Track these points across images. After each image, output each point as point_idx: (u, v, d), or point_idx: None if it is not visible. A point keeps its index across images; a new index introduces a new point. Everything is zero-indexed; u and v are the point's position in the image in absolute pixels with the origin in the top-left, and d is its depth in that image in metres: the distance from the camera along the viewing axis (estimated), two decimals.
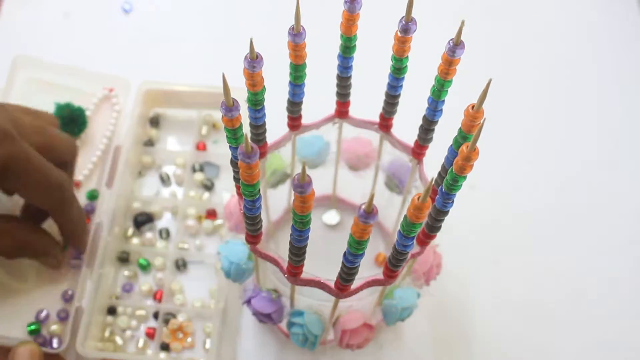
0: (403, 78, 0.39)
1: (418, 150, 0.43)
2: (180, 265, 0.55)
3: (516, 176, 0.61)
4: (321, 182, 0.54)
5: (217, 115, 0.61)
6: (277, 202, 0.55)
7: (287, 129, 0.44)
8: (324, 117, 0.45)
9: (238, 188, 0.39)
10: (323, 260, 0.44)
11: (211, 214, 0.57)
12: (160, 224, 0.57)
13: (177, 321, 0.52)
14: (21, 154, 0.43)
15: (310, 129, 0.45)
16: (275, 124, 0.43)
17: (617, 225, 0.59)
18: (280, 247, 0.56)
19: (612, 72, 0.68)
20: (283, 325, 0.49)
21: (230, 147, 0.34)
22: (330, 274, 0.38)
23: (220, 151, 0.60)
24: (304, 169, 0.27)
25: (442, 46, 0.34)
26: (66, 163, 0.50)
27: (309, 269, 0.38)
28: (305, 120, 0.44)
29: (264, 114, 0.37)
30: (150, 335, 0.52)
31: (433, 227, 0.36)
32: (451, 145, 0.36)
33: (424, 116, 0.39)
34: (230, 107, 0.31)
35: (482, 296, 0.55)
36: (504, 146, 0.62)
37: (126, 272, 0.54)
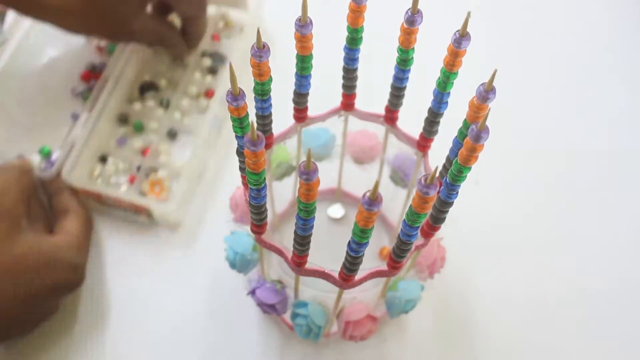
0: (409, 70, 0.39)
1: (423, 143, 0.43)
2: (172, 134, 0.60)
3: (521, 172, 0.61)
4: (326, 175, 0.54)
5: (232, 14, 0.67)
6: (282, 194, 0.55)
7: (293, 121, 0.44)
8: (330, 109, 0.45)
9: (244, 178, 0.39)
10: (327, 253, 0.45)
11: (209, 94, 0.62)
12: (163, 94, 0.63)
13: (156, 175, 0.56)
14: None
15: (316, 121, 0.45)
16: (281, 116, 0.43)
17: (623, 225, 0.59)
18: (285, 239, 0.56)
19: (624, 66, 0.68)
20: (287, 317, 0.49)
21: (236, 136, 0.35)
22: (334, 268, 0.38)
23: (229, 46, 0.66)
24: (309, 156, 0.28)
25: (448, 38, 0.34)
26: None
27: (314, 262, 0.38)
28: (311, 112, 0.44)
29: (270, 105, 0.38)
30: (131, 180, 0.57)
31: (437, 219, 0.36)
32: (456, 136, 0.36)
33: (430, 108, 0.39)
34: (236, 96, 0.32)
35: (485, 291, 0.55)
36: (508, 142, 0.62)
37: (122, 130, 0.60)
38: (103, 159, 0.58)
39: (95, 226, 0.56)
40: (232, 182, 0.48)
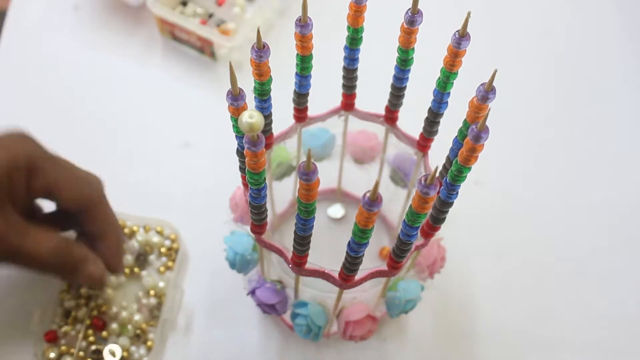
0: (409, 70, 0.39)
1: (423, 143, 0.43)
2: None
3: (521, 172, 0.61)
4: (326, 175, 0.54)
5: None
6: (282, 195, 0.55)
7: (293, 121, 0.44)
8: (330, 109, 0.45)
9: (244, 178, 0.39)
10: (327, 254, 0.45)
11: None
12: None
13: (226, 27, 0.62)
14: (46, 153, 0.41)
15: (316, 121, 0.45)
16: (281, 116, 0.43)
17: (620, 222, 0.59)
18: (285, 240, 0.56)
19: (625, 65, 0.68)
20: (287, 317, 0.49)
21: (236, 136, 0.35)
22: (334, 268, 0.38)
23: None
24: (309, 157, 0.28)
25: (448, 38, 0.34)
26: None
27: (314, 262, 0.38)
28: (311, 112, 0.44)
29: (270, 104, 0.38)
30: (203, 23, 0.62)
31: (437, 219, 0.36)
32: (456, 136, 0.36)
33: (430, 108, 0.39)
34: (236, 96, 0.32)
35: (485, 291, 0.55)
36: (508, 142, 0.62)
37: None
38: (184, 3, 0.65)
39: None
40: (232, 182, 0.47)
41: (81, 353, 0.50)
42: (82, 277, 0.43)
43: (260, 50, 0.33)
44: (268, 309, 0.46)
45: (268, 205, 0.39)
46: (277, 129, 0.43)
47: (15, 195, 0.39)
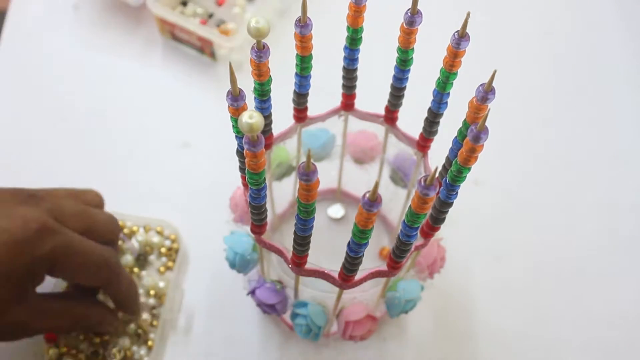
0: (409, 70, 0.39)
1: (423, 144, 0.43)
2: None
3: (520, 173, 0.61)
4: (326, 175, 0.54)
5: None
6: (282, 195, 0.55)
7: (292, 121, 0.44)
8: (330, 109, 0.45)
9: (244, 178, 0.39)
10: (327, 254, 0.45)
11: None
12: None
13: (226, 27, 0.62)
14: (64, 244, 0.42)
15: (316, 121, 0.45)
16: (281, 116, 0.43)
17: (621, 223, 0.59)
18: (285, 240, 0.56)
19: (625, 65, 0.68)
20: (287, 317, 0.49)
21: (236, 136, 0.35)
22: (334, 268, 0.38)
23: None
24: (309, 157, 0.28)
25: (448, 38, 0.34)
26: (109, 242, 0.48)
27: (313, 263, 0.38)
28: (311, 112, 0.44)
29: (270, 105, 0.38)
30: (203, 23, 0.62)
31: (437, 219, 0.36)
32: (456, 137, 0.36)
33: (429, 109, 0.39)
34: (236, 96, 0.32)
35: (485, 290, 0.55)
36: (508, 142, 0.62)
37: None
38: (184, 3, 0.64)
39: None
40: (232, 182, 0.47)
41: (81, 353, 0.50)
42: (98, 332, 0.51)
43: (260, 50, 0.33)
44: (268, 309, 0.46)
45: (268, 206, 0.39)
46: (277, 129, 0.43)
47: (33, 283, 0.43)
